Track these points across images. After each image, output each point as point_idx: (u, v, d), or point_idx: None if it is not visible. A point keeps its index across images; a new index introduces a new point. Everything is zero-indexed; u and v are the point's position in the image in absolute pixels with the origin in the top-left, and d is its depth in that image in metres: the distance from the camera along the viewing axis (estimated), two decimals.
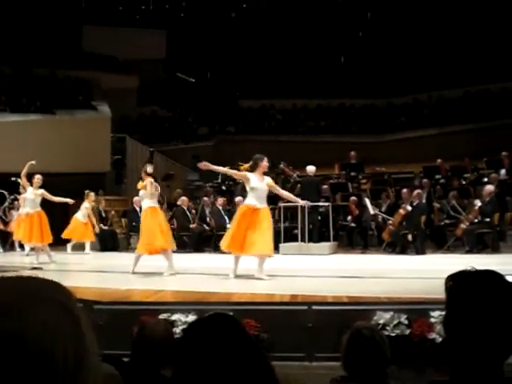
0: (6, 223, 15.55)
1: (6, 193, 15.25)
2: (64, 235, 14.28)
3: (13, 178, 13.27)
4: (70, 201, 11.70)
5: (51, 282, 0.83)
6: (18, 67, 19.74)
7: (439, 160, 16.49)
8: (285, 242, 13.04)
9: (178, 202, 14.97)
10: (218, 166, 8.93)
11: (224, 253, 13.39)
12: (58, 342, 0.75)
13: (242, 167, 8.49)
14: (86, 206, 14.77)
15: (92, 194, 15.26)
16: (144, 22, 23.23)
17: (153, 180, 9.30)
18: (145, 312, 5.60)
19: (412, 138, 20.99)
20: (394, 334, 5.29)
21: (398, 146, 20.76)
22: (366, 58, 23.22)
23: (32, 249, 12.08)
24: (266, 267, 9.95)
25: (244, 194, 11.56)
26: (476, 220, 12.40)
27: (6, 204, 15.58)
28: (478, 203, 12.47)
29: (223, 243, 8.35)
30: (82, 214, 14.60)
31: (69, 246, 14.55)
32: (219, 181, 17.98)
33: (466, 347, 1.41)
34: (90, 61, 21.51)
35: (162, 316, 5.57)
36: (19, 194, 13.57)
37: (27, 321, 0.73)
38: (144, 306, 6.02)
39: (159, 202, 10.66)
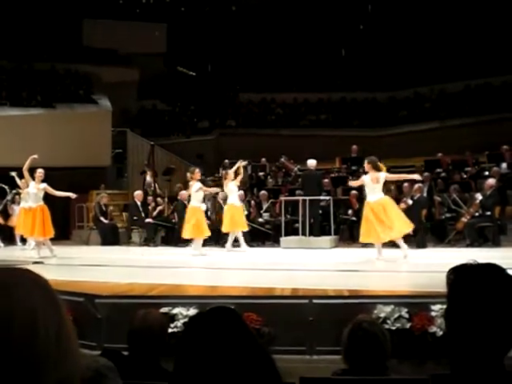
0: (7, 217, 15.54)
1: (6, 187, 15.23)
2: (227, 229, 12.25)
3: (11, 173, 13.28)
4: (71, 195, 11.70)
5: (27, 270, 1.00)
6: (19, 61, 19.70)
7: (440, 154, 16.48)
8: (286, 235, 13.05)
9: (179, 197, 14.96)
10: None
11: (225, 247, 13.50)
12: (38, 317, 0.92)
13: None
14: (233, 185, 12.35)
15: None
16: (144, 15, 23.18)
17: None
18: (146, 306, 5.60)
19: (413, 132, 20.95)
20: (394, 328, 5.29)
21: (399, 139, 20.73)
22: (367, 52, 23.17)
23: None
24: (268, 260, 9.98)
25: (243, 189, 11.67)
26: (477, 214, 12.39)
27: (8, 198, 15.55)
28: (479, 197, 12.46)
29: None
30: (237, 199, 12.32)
31: (230, 240, 12.27)
32: (220, 175, 17.97)
33: (467, 340, 1.41)
34: (91, 54, 21.47)
35: (163, 310, 5.58)
36: (18, 188, 13.58)
37: (15, 299, 0.91)
38: (145, 299, 6.03)
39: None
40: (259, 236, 14.28)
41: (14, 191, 15.03)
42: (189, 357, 1.38)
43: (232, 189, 12.27)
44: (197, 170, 12.03)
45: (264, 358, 1.42)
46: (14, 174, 13.17)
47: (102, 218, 15.43)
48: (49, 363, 0.90)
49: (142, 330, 3.01)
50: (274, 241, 13.73)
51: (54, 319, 0.94)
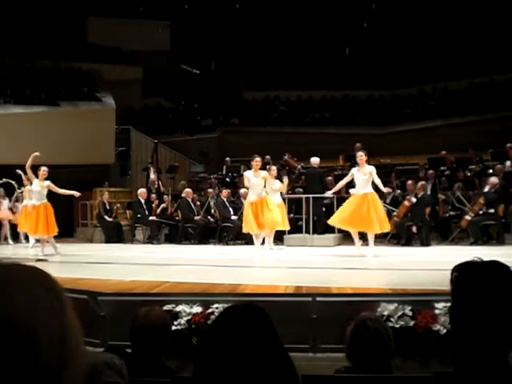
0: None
1: (14, 183, 15.13)
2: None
3: (18, 171, 13.28)
4: (75, 193, 11.70)
5: (30, 266, 0.89)
6: (22, 59, 19.71)
7: (444, 151, 16.43)
8: (289, 233, 13.04)
9: (183, 194, 14.97)
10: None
11: (228, 244, 13.52)
12: (40, 320, 0.81)
13: None
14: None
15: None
16: (148, 13, 23.16)
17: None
18: (149, 303, 5.60)
19: (417, 130, 20.92)
20: (398, 326, 5.29)
21: (402, 137, 20.70)
22: (370, 50, 23.13)
23: (37, 241, 12.09)
24: (272, 258, 9.98)
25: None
26: (481, 212, 12.37)
27: (15, 195, 15.45)
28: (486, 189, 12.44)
29: None
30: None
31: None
32: (223, 172, 17.98)
33: (471, 338, 1.41)
34: (94, 52, 21.48)
35: (167, 307, 5.58)
36: (23, 186, 13.61)
37: (10, 303, 0.79)
38: (148, 297, 6.03)
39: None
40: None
41: (18, 190, 15.01)
42: (213, 350, 1.36)
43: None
44: (273, 168, 12.36)
45: (286, 362, 1.41)
46: (19, 171, 13.17)
47: (105, 216, 15.44)
48: (51, 372, 0.81)
49: (145, 327, 3.01)
50: (278, 238, 13.72)
51: (58, 322, 0.85)
